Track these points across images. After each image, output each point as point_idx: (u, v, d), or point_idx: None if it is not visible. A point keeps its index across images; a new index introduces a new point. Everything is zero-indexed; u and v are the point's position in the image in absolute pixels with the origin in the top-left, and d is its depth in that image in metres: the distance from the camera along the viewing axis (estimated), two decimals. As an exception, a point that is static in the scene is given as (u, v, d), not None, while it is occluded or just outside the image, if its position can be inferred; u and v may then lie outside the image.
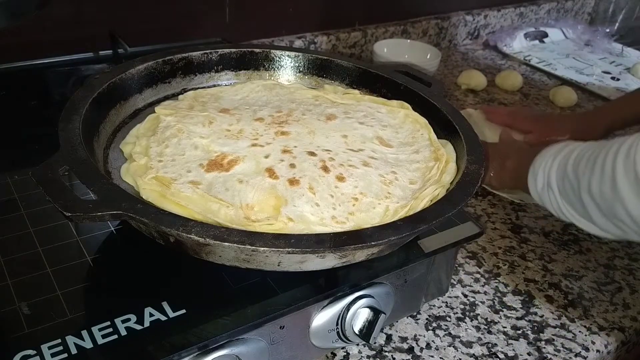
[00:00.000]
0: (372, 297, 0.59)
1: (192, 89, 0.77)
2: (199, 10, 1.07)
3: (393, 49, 1.25)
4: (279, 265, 0.51)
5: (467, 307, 0.71)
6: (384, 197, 0.58)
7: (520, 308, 0.72)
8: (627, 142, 0.60)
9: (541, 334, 0.68)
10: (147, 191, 0.56)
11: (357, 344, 0.64)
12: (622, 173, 0.59)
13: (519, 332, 0.69)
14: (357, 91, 0.79)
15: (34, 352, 0.46)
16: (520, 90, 1.29)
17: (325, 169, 0.61)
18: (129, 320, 0.49)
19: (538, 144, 0.85)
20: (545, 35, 1.57)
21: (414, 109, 0.74)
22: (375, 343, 0.64)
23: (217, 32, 1.06)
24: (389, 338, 0.66)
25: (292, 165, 0.61)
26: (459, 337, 0.67)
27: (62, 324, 0.49)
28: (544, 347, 0.67)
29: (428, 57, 1.24)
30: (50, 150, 0.53)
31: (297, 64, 0.82)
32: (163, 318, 0.50)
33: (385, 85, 0.78)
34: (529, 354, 0.66)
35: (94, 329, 0.48)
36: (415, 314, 0.69)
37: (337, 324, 0.58)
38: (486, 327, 0.69)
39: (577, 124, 0.96)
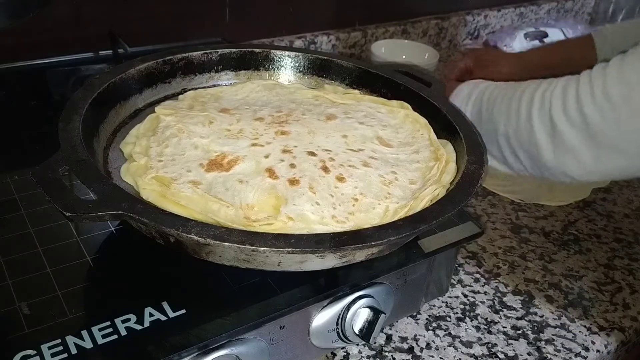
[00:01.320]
0: (372, 297, 0.59)
1: (192, 89, 0.77)
2: (199, 10, 1.07)
3: (391, 50, 1.24)
4: (279, 265, 0.51)
5: (467, 307, 0.71)
6: (383, 198, 0.58)
7: (520, 308, 0.72)
8: (539, 89, 0.61)
9: (541, 334, 0.68)
10: (147, 191, 0.56)
11: (357, 344, 0.64)
12: (538, 120, 0.61)
13: (519, 332, 0.69)
14: (357, 91, 0.79)
15: (34, 352, 0.46)
16: (520, 90, 1.29)
17: (325, 169, 0.61)
18: (129, 320, 0.49)
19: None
20: (545, 35, 1.57)
21: (414, 109, 0.74)
22: (375, 343, 0.64)
23: (217, 32, 1.06)
24: (389, 338, 0.66)
25: (292, 165, 0.61)
26: (459, 337, 0.67)
27: (62, 324, 0.49)
28: (544, 347, 0.67)
29: (426, 57, 1.24)
30: (50, 150, 0.53)
31: (297, 64, 0.81)
32: (163, 318, 0.50)
33: (385, 85, 0.78)
34: (529, 354, 0.66)
35: (94, 329, 0.48)
36: (415, 314, 0.69)
37: (337, 324, 0.58)
38: (486, 327, 0.69)
39: (513, 66, 0.94)
